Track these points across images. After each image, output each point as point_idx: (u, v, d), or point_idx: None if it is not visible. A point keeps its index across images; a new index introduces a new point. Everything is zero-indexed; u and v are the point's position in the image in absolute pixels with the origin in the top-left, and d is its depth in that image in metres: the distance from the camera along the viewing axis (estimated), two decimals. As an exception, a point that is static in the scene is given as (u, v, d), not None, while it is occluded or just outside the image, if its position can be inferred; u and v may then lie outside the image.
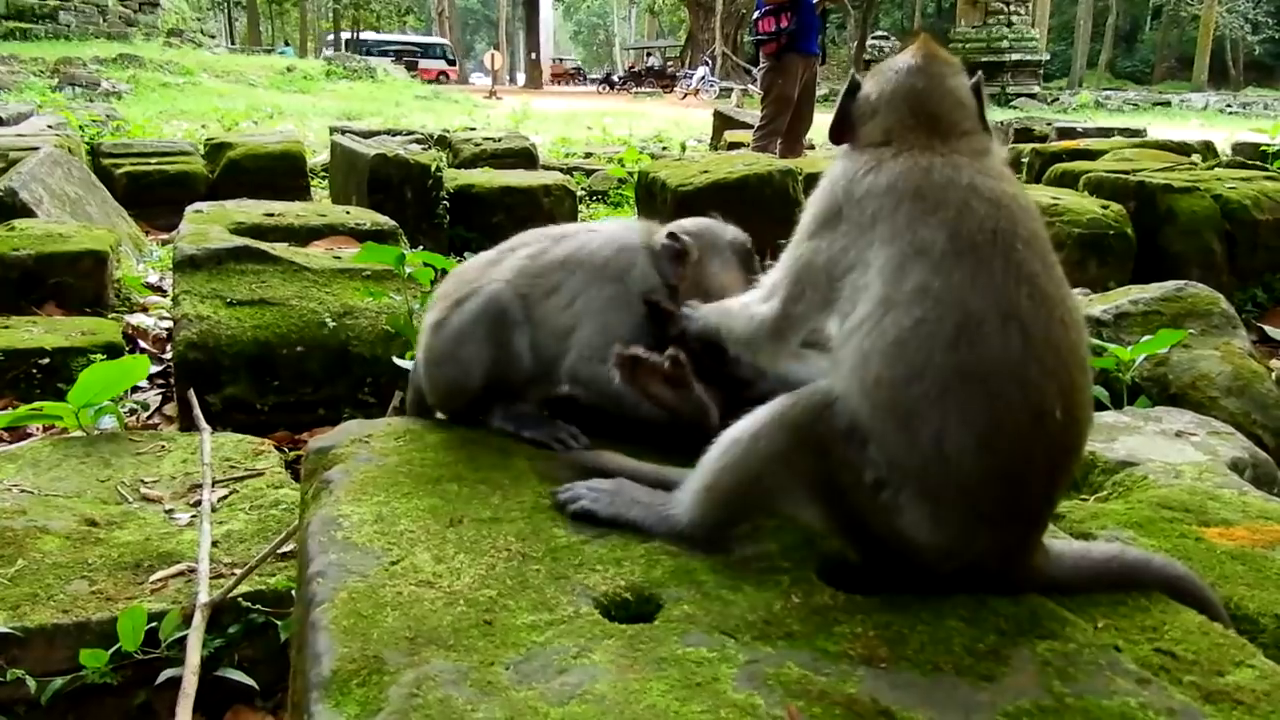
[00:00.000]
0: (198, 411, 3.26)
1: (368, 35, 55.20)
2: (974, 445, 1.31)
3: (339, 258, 4.26)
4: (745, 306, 1.72)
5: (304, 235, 4.76)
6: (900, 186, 1.44)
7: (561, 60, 65.55)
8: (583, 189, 9.56)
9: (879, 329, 1.37)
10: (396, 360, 3.38)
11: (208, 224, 4.57)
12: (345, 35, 56.36)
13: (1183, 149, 8.62)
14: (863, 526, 1.41)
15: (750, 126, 11.34)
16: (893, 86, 1.58)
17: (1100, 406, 2.99)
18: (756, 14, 9.37)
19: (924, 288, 1.34)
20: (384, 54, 45.38)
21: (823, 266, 1.50)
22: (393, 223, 4.93)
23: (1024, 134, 12.23)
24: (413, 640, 1.17)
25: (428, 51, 53.11)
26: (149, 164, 8.15)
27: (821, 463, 1.39)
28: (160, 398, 4.11)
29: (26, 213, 5.57)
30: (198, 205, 5.12)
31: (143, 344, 4.62)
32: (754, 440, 1.44)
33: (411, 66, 42.35)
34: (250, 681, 2.11)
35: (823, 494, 1.41)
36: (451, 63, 54.42)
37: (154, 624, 2.07)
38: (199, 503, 2.65)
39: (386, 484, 1.62)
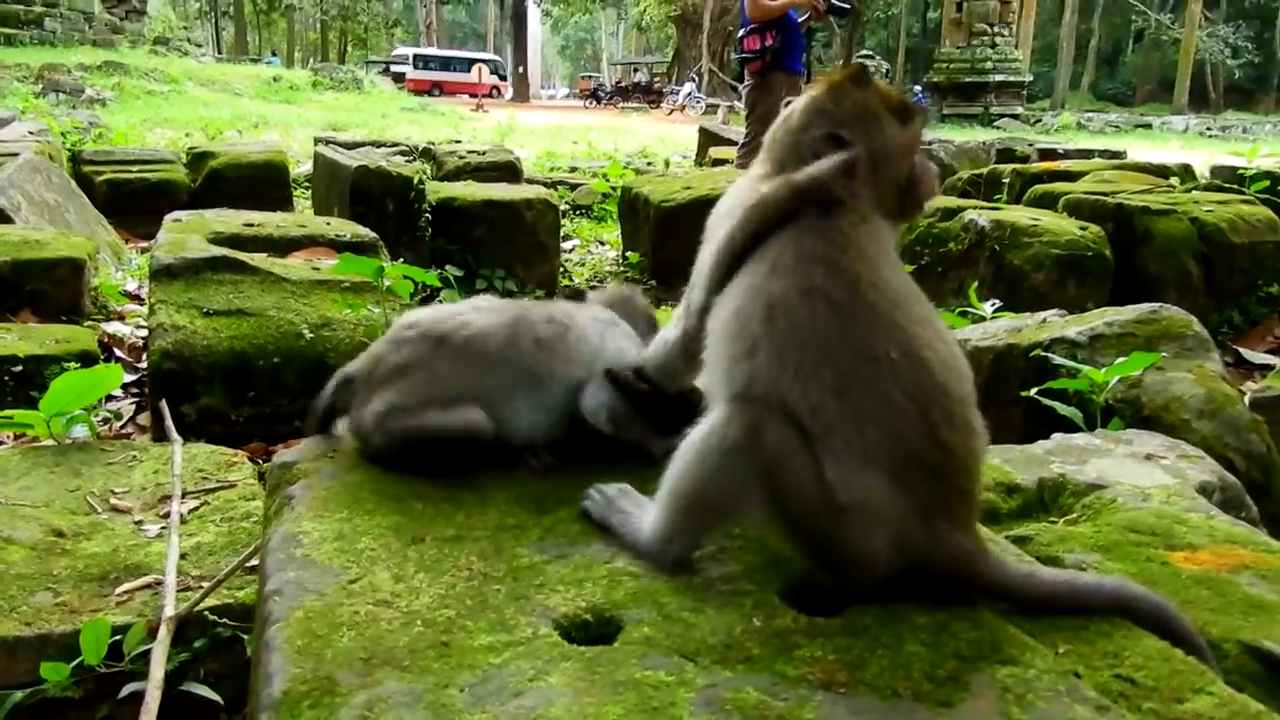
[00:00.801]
0: (169, 422, 3.24)
1: (425, 51, 56.20)
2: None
3: (318, 269, 4.25)
4: (661, 335, 1.89)
5: (283, 246, 4.74)
6: None
7: (590, 77, 65.94)
8: (566, 203, 9.56)
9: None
10: (372, 373, 3.36)
11: (186, 233, 4.55)
12: (411, 49, 56.53)
13: (1161, 171, 8.70)
14: (806, 526, 1.44)
15: (735, 143, 11.39)
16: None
17: (1073, 428, 3.00)
18: (742, 32, 9.41)
19: None
20: (428, 67, 47.01)
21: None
22: (373, 235, 4.91)
23: (1005, 154, 12.29)
24: (367, 661, 1.16)
25: (475, 65, 53.67)
26: (130, 172, 8.12)
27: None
28: (134, 407, 4.08)
29: (4, 219, 5.53)
30: (176, 214, 5.09)
31: (119, 353, 4.59)
32: (694, 451, 1.50)
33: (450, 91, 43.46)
34: (215, 696, 2.08)
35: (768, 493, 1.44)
36: (503, 77, 54.88)
37: (118, 637, 2.05)
38: (169, 514, 2.62)
39: (349, 500, 1.61)
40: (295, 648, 1.17)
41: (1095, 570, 1.85)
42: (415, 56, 53.37)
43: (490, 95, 44.22)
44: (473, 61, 54.49)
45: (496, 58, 59.43)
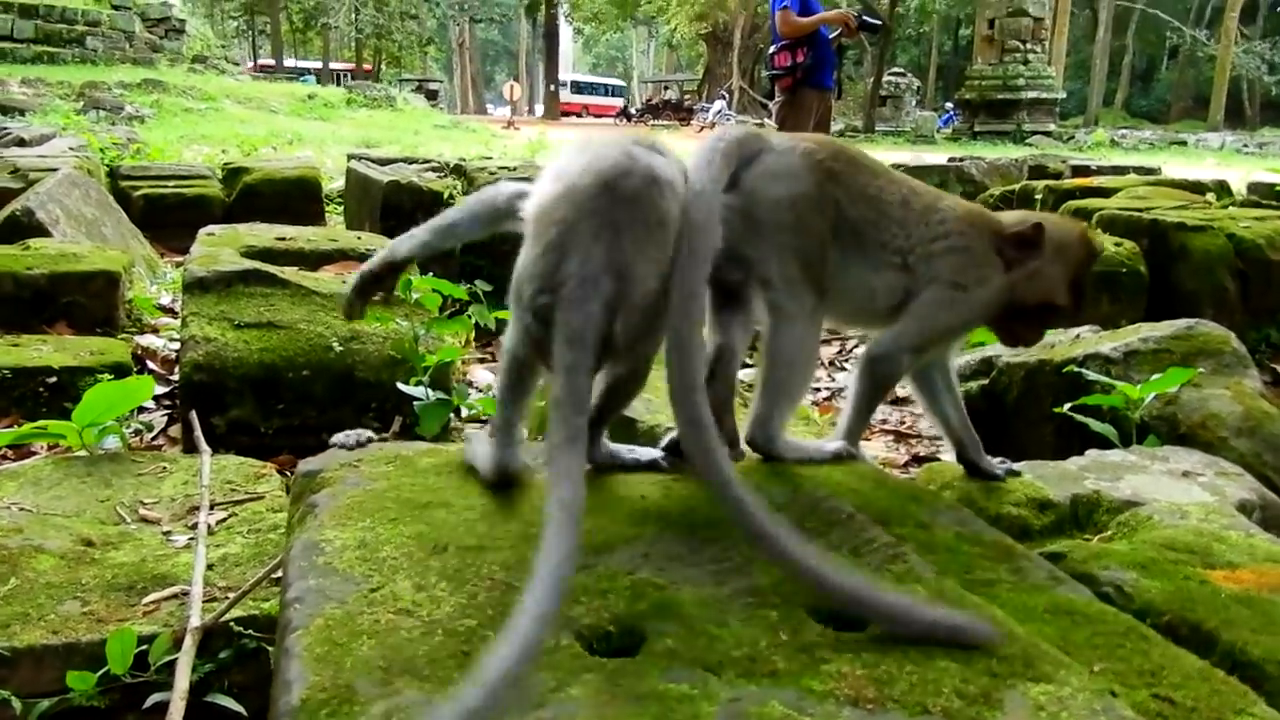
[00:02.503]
0: (198, 433, 3.26)
1: (577, 77, 62.94)
2: None
3: (348, 282, 4.27)
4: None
5: (314, 260, 4.78)
6: None
7: (666, 87, 66.49)
8: (597, 218, 9.55)
9: None
10: (401, 386, 3.38)
11: (219, 246, 4.60)
12: (568, 75, 61.47)
13: (1197, 188, 8.59)
14: None
15: (765, 159, 11.36)
16: None
17: (1107, 445, 2.95)
18: (772, 48, 9.41)
19: None
20: (580, 91, 52.28)
21: None
22: (403, 249, 4.93)
23: (1038, 171, 12.19)
24: (386, 670, 1.15)
25: (611, 91, 60.55)
26: (166, 187, 8.21)
27: None
28: (166, 419, 4.11)
29: (42, 232, 5.61)
30: (210, 228, 5.15)
31: (152, 365, 4.63)
32: None
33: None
34: (239, 708, 2.08)
35: None
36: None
37: (144, 647, 2.05)
38: (197, 525, 2.63)
39: (373, 509, 1.60)
40: (314, 655, 1.17)
41: (1131, 589, 1.81)
42: (571, 82, 58.84)
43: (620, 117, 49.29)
44: (611, 88, 60.28)
45: (622, 83, 65.77)
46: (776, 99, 9.43)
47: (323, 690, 1.10)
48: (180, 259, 6.81)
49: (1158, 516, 2.22)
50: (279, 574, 2.24)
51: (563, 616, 1.31)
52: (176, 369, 4.32)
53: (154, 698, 2.02)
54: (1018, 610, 1.52)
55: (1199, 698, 1.30)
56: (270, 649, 2.12)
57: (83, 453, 3.16)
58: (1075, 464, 2.56)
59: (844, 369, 5.32)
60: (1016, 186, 8.90)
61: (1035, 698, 1.22)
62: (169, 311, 5.55)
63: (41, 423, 3.31)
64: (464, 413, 3.72)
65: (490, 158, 14.25)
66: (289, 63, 51.36)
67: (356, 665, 1.16)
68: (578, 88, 63.03)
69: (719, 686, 1.18)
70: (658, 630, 1.32)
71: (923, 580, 1.45)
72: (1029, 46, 37.46)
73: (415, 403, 3.11)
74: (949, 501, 2.10)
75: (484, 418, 3.66)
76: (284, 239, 4.99)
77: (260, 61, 53.61)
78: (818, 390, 4.68)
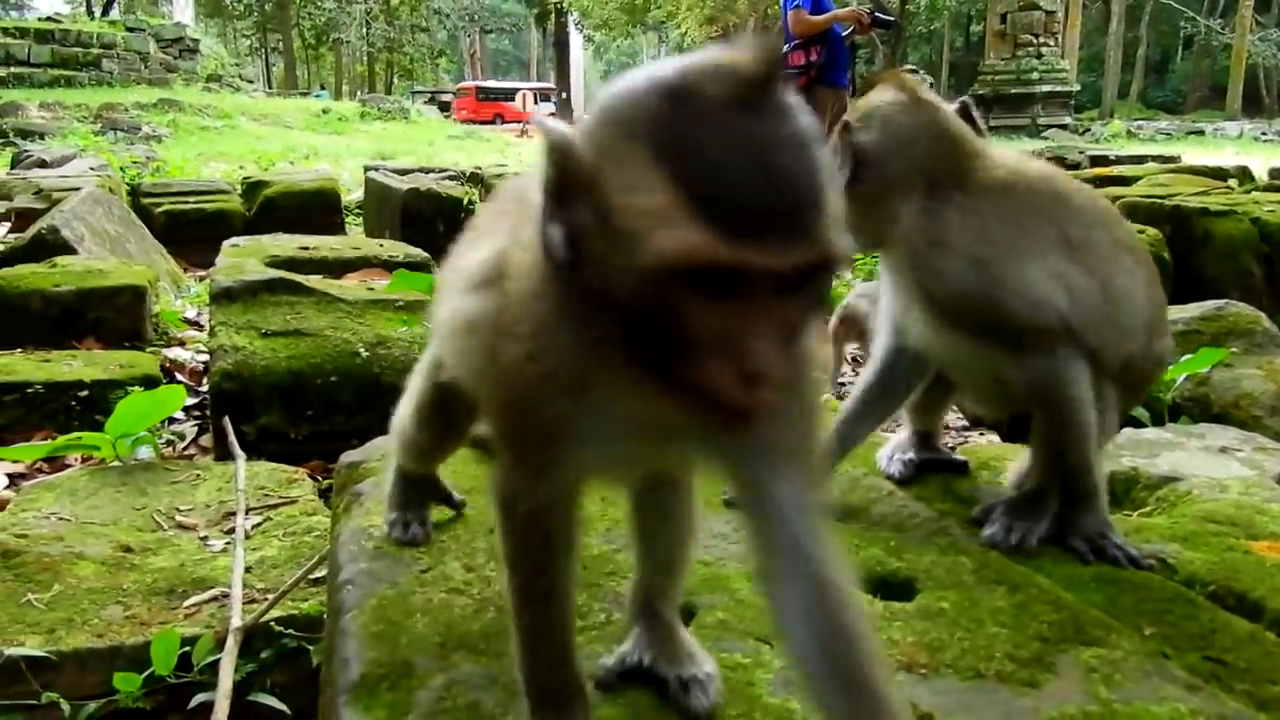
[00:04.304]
0: (232, 438, 3.28)
1: None
2: None
3: (372, 289, 4.30)
4: None
5: (338, 268, 4.81)
6: None
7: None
8: (614, 222, 9.57)
9: None
10: (429, 387, 3.38)
11: (243, 257, 4.63)
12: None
13: (1219, 174, 8.53)
14: None
15: (780, 159, 11.35)
16: None
17: (1139, 427, 2.93)
18: (785, 48, 9.40)
19: None
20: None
21: None
22: (425, 254, 4.97)
23: (1056, 162, 12.12)
24: (442, 645, 1.16)
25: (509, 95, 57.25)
26: (187, 203, 8.29)
27: None
28: (196, 429, 4.14)
29: (68, 250, 5.66)
30: (234, 240, 5.19)
31: (180, 377, 4.66)
32: None
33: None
34: (283, 706, 2.09)
35: None
36: None
37: (187, 648, 2.06)
38: (233, 529, 2.65)
39: (418, 495, 1.62)
40: (371, 633, 1.18)
41: (1174, 561, 1.80)
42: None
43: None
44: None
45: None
46: (791, 98, 9.42)
47: (381, 666, 1.11)
48: (203, 273, 6.87)
49: (1197, 491, 2.21)
50: (317, 574, 2.26)
51: (612, 593, 1.32)
52: (204, 380, 4.36)
53: (199, 698, 2.04)
54: (1064, 579, 1.51)
55: (1251, 660, 1.29)
56: (311, 649, 2.14)
57: (117, 463, 3.19)
58: (1111, 443, 2.54)
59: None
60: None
61: (1087, 660, 1.22)
62: (194, 325, 5.60)
63: (75, 435, 3.34)
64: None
65: (505, 165, 14.31)
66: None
67: (413, 642, 1.17)
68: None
69: (771, 655, 1.19)
70: (708, 604, 1.33)
71: (967, 551, 1.45)
72: (1042, 40, 37.29)
73: (443, 403, 3.12)
74: (986, 478, 2.10)
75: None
76: (307, 248, 5.03)
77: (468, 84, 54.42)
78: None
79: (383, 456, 1.80)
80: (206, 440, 3.97)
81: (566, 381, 1.10)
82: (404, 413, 1.68)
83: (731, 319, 0.93)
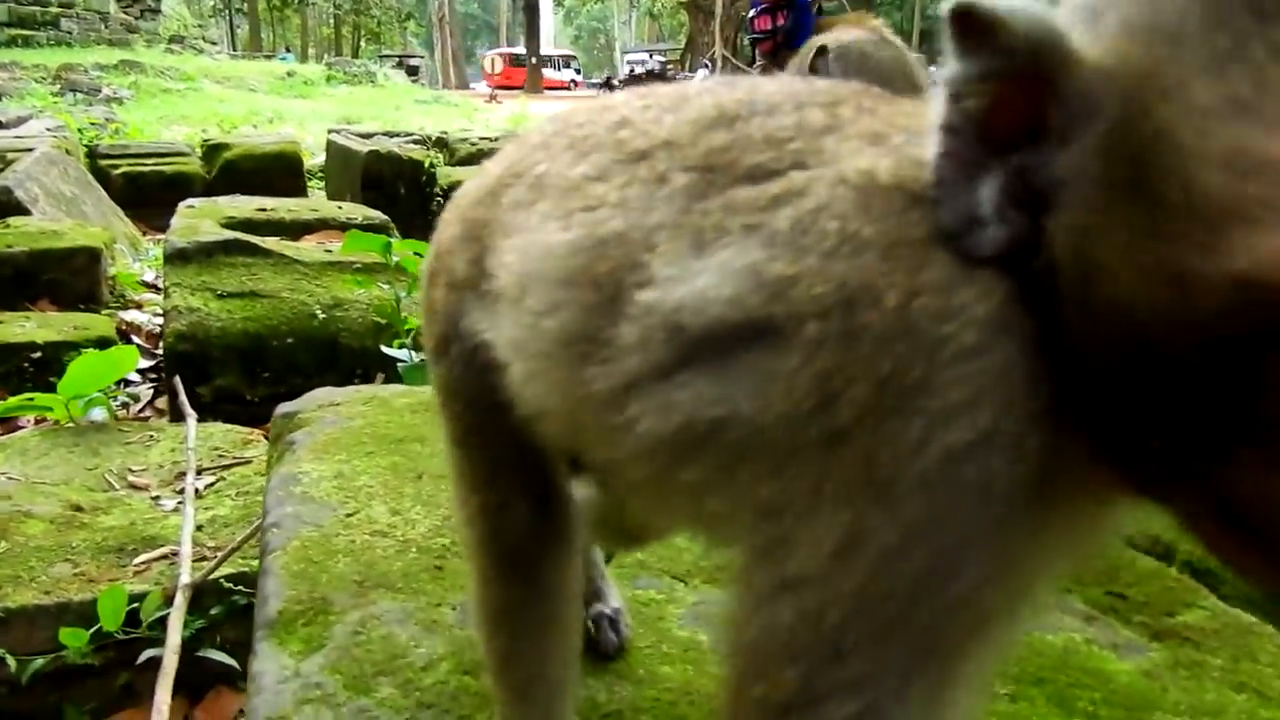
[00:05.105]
0: (183, 397, 3.27)
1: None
2: None
3: (330, 251, 4.28)
4: None
5: (296, 230, 4.79)
6: None
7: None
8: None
9: None
10: (385, 349, 3.39)
11: (199, 218, 4.60)
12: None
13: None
14: None
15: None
16: None
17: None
18: (752, 12, 9.37)
19: None
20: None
21: None
22: (384, 217, 4.95)
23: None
24: (361, 584, 1.18)
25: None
26: (146, 165, 8.18)
27: None
28: (152, 391, 4.12)
29: (21, 211, 5.59)
30: (190, 201, 5.15)
31: (136, 340, 4.62)
32: None
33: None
34: (232, 662, 2.10)
35: None
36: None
37: (135, 605, 2.07)
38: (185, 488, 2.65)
39: (350, 444, 1.64)
40: (291, 573, 1.20)
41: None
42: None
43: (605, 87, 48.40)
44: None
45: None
46: (758, 64, 9.41)
47: (299, 603, 1.13)
48: (162, 236, 6.78)
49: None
50: (267, 531, 2.28)
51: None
52: (161, 343, 4.33)
53: (147, 653, 2.05)
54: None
55: (1150, 594, 1.35)
56: (261, 604, 2.16)
57: (69, 424, 3.17)
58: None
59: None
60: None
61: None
62: (152, 288, 5.54)
63: (27, 395, 3.32)
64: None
65: (470, 130, 14.20)
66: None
67: (332, 580, 1.20)
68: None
69: (685, 592, 1.23)
70: (629, 545, 1.38)
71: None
72: (1011, 8, 37.30)
73: (399, 365, 3.13)
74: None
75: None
76: (264, 210, 4.99)
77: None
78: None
79: (319, 407, 1.81)
80: (163, 403, 3.95)
81: (1043, 483, 0.64)
82: (478, 587, 1.11)
83: None
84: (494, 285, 0.96)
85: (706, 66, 43.59)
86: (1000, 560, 0.66)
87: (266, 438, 3.16)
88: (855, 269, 0.67)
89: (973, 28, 0.60)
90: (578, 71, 56.49)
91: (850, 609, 0.67)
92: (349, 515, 1.39)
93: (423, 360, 3.28)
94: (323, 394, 1.93)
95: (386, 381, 3.45)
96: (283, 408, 1.89)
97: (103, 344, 4.00)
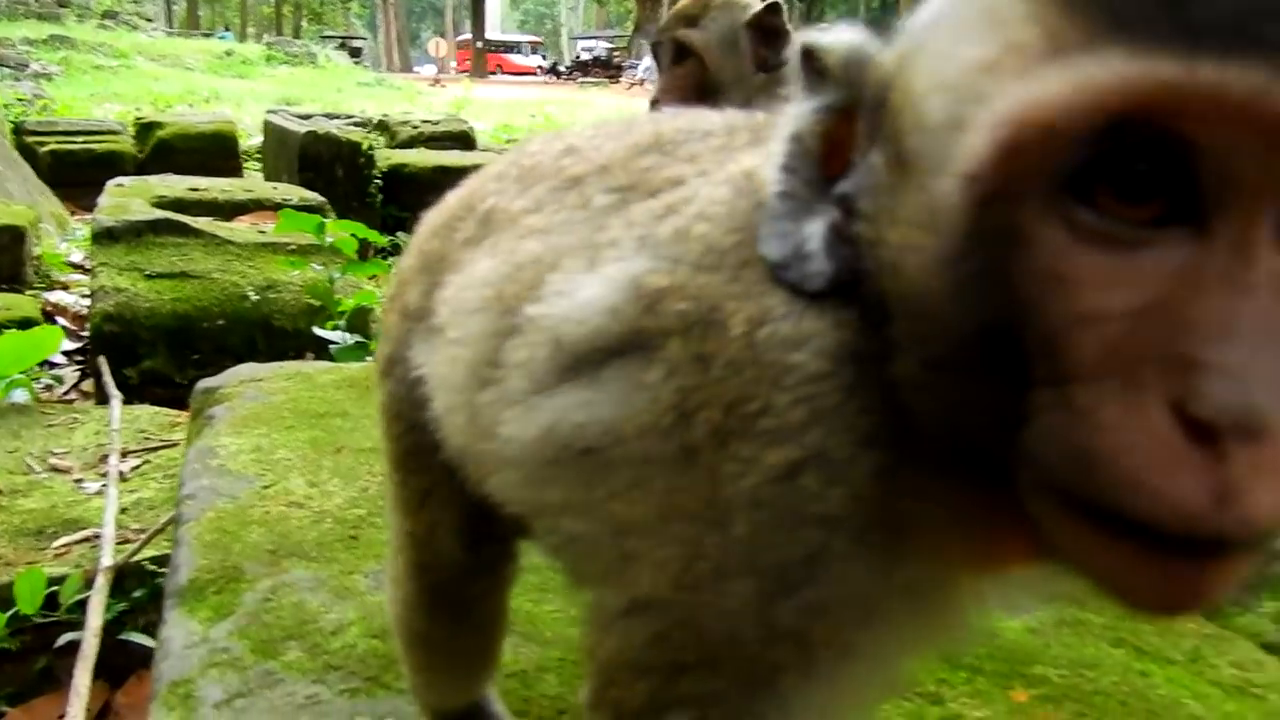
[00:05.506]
0: (107, 377, 3.21)
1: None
2: None
3: (264, 232, 4.22)
4: None
5: (229, 210, 4.71)
6: None
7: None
8: (523, 172, 9.48)
9: None
10: (318, 331, 3.36)
11: (129, 197, 4.50)
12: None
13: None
14: None
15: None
16: None
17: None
18: None
19: None
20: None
21: None
22: (321, 198, 4.89)
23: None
24: (274, 553, 1.18)
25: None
26: (75, 143, 7.98)
27: None
28: (79, 374, 4.04)
29: (-60, 187, 5.43)
30: (119, 179, 5.04)
31: (62, 321, 4.51)
32: None
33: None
34: (155, 644, 2.07)
35: None
36: None
37: (55, 589, 2.03)
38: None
39: (270, 418, 1.63)
40: (204, 543, 1.20)
41: None
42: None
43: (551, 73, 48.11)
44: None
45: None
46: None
47: (210, 572, 1.13)
48: (91, 216, 6.63)
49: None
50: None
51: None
52: (87, 324, 4.24)
53: (65, 637, 2.01)
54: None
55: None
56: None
57: (-11, 405, 3.10)
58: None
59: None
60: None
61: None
62: (80, 268, 5.41)
63: (-56, 376, 3.23)
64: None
65: (412, 113, 14.04)
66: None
67: (245, 550, 1.19)
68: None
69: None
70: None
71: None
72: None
73: (331, 346, 3.10)
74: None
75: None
76: (197, 190, 4.91)
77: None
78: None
79: (241, 383, 1.80)
80: (89, 386, 3.87)
81: (872, 513, 0.64)
82: (400, 609, 1.14)
83: (1166, 293, 0.49)
84: (435, 321, 0.96)
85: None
86: (830, 590, 0.66)
87: (196, 420, 3.13)
88: (713, 285, 0.69)
89: (810, 68, 0.63)
90: (544, 58, 56.46)
91: (690, 630, 0.70)
92: (265, 487, 1.38)
93: (356, 342, 3.26)
94: (245, 370, 1.91)
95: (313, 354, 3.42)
96: (203, 383, 1.87)
97: (26, 325, 3.89)
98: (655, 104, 2.18)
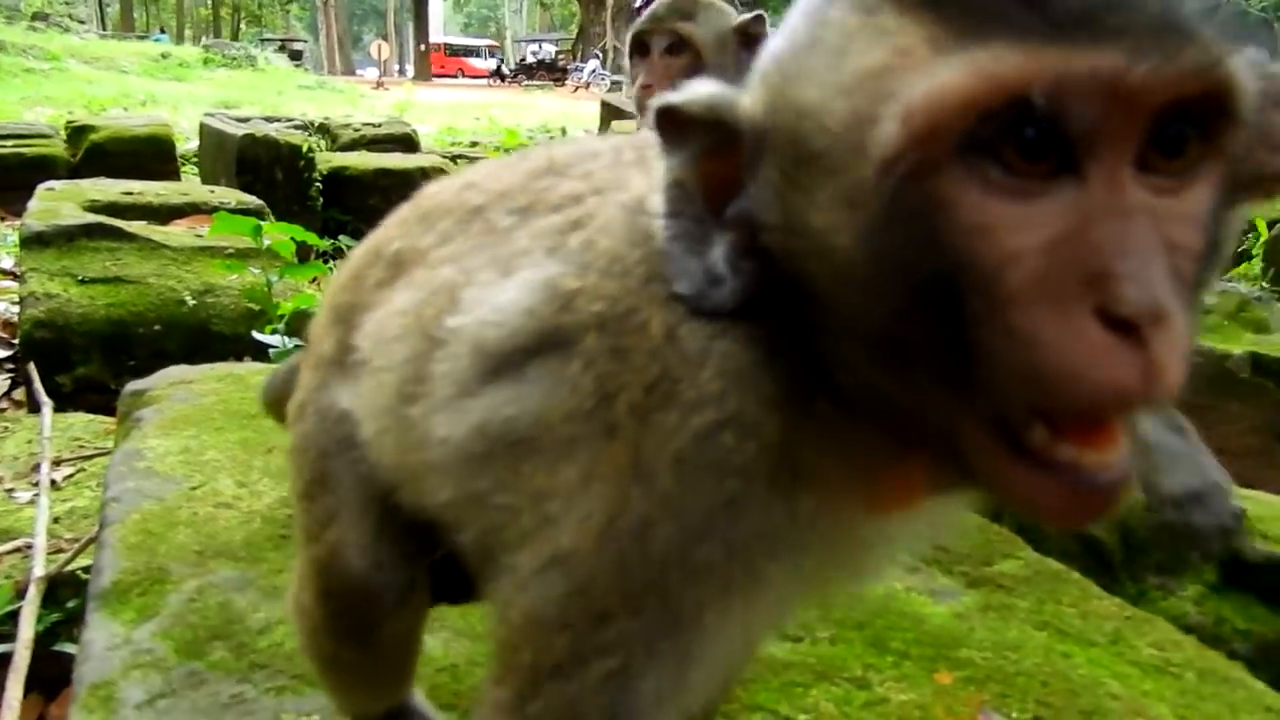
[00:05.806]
0: (37, 384, 3.16)
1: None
2: None
3: (200, 235, 4.17)
4: None
5: (164, 214, 4.64)
6: None
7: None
8: (465, 175, 9.45)
9: None
10: (257, 335, 3.32)
11: (60, 201, 4.42)
12: None
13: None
14: None
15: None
16: None
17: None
18: (638, 3, 9.41)
19: None
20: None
21: None
22: (259, 202, 4.83)
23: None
24: (200, 554, 1.18)
25: None
26: (4, 146, 7.79)
27: None
28: (9, 383, 3.96)
29: None
30: (50, 183, 4.95)
31: (-9, 329, 4.43)
32: None
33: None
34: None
35: None
36: None
37: (-14, 600, 2.00)
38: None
39: (199, 420, 1.62)
40: (128, 545, 1.19)
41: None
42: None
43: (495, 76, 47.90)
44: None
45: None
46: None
47: (134, 574, 1.12)
48: (20, 221, 6.48)
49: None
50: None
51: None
52: (18, 332, 4.16)
53: (-4, 648, 1.97)
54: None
55: (974, 546, 1.45)
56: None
57: (-86, 415, 3.03)
58: None
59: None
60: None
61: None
62: (10, 275, 5.30)
63: None
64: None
65: (352, 116, 13.91)
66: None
67: (171, 551, 1.19)
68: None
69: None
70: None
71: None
72: None
73: (271, 350, 3.06)
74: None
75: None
76: (131, 193, 4.83)
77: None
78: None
79: (170, 385, 1.78)
80: (21, 395, 3.80)
81: (780, 462, 0.75)
82: (308, 639, 1.16)
83: (1068, 227, 0.58)
84: (355, 358, 1.02)
85: (597, 57, 43.59)
86: (744, 532, 0.76)
87: (131, 426, 3.08)
88: (625, 290, 0.78)
89: (672, 122, 0.71)
90: (501, 61, 56.45)
91: (613, 576, 0.77)
92: (194, 489, 1.37)
93: (296, 345, 3.23)
94: (175, 371, 1.89)
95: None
96: (131, 386, 1.85)
97: (-47, 333, 3.82)
98: (647, 89, 2.22)
